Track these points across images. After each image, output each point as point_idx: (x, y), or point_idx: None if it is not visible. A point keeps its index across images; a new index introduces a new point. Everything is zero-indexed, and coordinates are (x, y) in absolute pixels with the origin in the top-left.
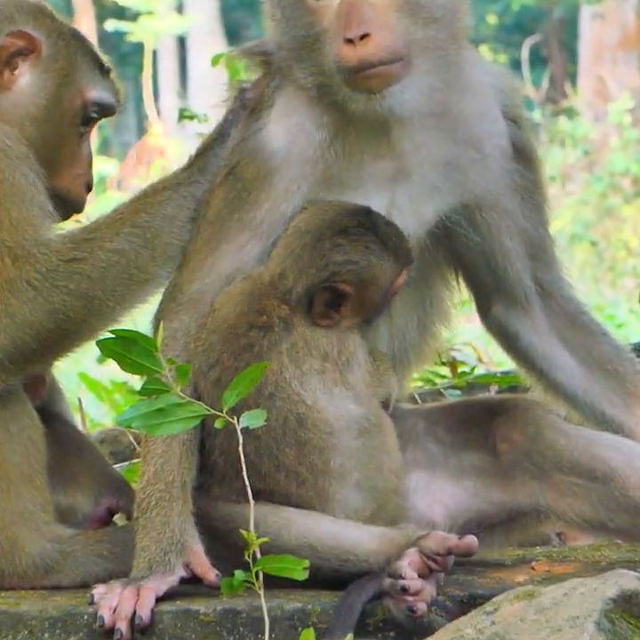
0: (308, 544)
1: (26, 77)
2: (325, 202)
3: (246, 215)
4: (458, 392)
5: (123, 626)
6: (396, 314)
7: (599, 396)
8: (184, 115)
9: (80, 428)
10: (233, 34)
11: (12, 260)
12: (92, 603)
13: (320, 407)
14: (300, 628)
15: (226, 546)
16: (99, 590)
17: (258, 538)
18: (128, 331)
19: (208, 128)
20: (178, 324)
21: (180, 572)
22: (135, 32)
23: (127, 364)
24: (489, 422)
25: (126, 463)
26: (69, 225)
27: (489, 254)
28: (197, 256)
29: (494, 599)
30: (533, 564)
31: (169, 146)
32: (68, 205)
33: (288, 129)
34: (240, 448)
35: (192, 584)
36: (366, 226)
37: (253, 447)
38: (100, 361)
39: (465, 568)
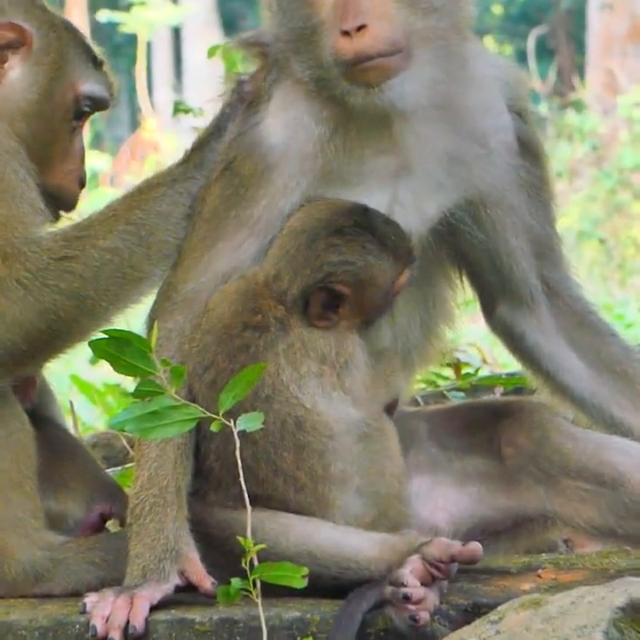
0: (308, 551)
1: (16, 71)
2: (322, 200)
3: (243, 212)
4: (462, 394)
5: (116, 635)
6: (398, 313)
7: (608, 398)
8: (179, 108)
9: (71, 431)
10: (229, 24)
11: (1, 258)
12: (83, 612)
13: (319, 410)
14: (298, 638)
15: (222, 553)
16: (91, 599)
17: (255, 545)
18: (121, 331)
19: (204, 122)
20: (172, 324)
21: (175, 580)
22: (128, 23)
23: (120, 366)
24: (494, 425)
25: (119, 468)
26: (61, 222)
27: (494, 252)
28: (193, 254)
29: (499, 608)
30: (539, 571)
31: (163, 140)
32: (60, 202)
33: (286, 123)
34: (237, 452)
35: (187, 592)
36: (363, 225)
37: (250, 451)
38: (93, 362)
39: (469, 576)
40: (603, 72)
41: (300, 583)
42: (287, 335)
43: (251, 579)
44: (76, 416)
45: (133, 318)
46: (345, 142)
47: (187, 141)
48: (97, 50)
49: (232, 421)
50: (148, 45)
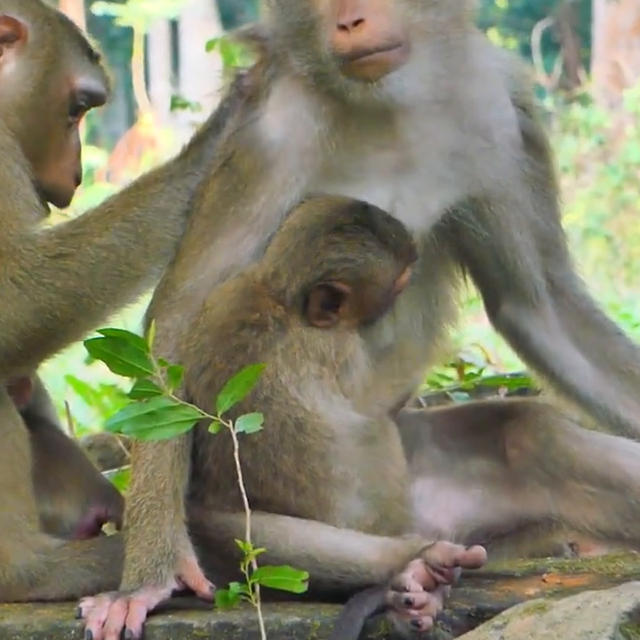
0: (307, 555)
1: (10, 65)
2: (322, 197)
3: (242, 208)
4: (465, 395)
5: None
6: (399, 312)
7: (614, 398)
8: (176, 103)
9: (67, 432)
10: (228, 17)
11: None
12: (79, 616)
13: (319, 413)
14: None
15: (220, 557)
16: (87, 603)
17: (254, 548)
18: (118, 330)
19: (202, 117)
20: (170, 323)
21: (173, 585)
22: (125, 15)
23: (117, 366)
24: (498, 427)
25: (116, 470)
26: (56, 219)
27: (498, 249)
28: (191, 251)
29: (503, 613)
30: (544, 575)
31: (160, 136)
32: (55, 199)
33: (285, 119)
34: (235, 454)
35: (185, 597)
36: (363, 222)
37: (249, 454)
38: (88, 362)
39: (472, 580)
40: (609, 65)
41: (300, 587)
42: (285, 335)
43: (250, 583)
44: (71, 417)
45: (130, 317)
46: (345, 138)
47: (184, 136)
48: (93, 43)
49: (231, 422)
50: (145, 39)
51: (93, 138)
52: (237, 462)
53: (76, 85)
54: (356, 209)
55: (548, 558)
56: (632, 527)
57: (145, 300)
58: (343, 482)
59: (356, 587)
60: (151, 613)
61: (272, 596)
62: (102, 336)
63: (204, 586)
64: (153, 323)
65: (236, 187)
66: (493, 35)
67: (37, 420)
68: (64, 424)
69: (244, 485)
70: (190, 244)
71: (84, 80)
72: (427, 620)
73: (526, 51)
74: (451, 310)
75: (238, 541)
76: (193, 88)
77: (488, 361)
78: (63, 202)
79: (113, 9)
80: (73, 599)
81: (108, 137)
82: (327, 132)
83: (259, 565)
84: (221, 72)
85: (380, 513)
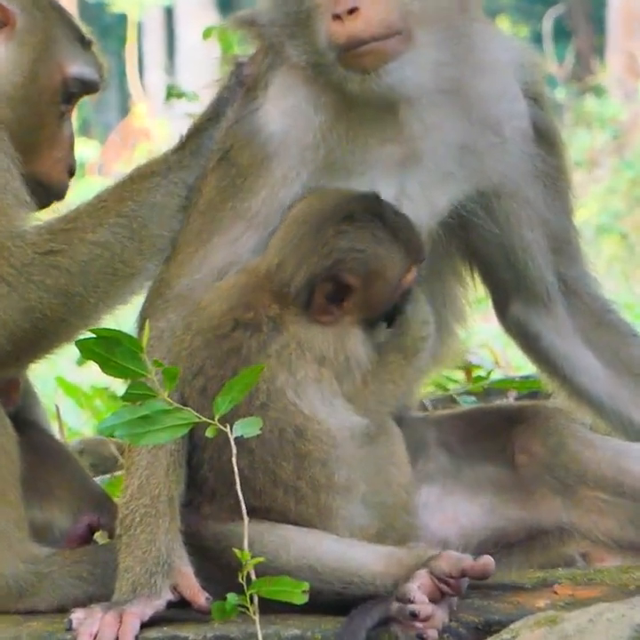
0: (308, 565)
1: None
2: (327, 189)
3: (241, 204)
4: (473, 398)
5: None
6: None
7: (627, 402)
8: (172, 93)
9: (57, 436)
10: (225, 4)
11: None
12: (70, 629)
13: (320, 418)
14: None
15: (217, 567)
16: (77, 615)
17: (253, 558)
18: (110, 330)
19: (199, 107)
20: (165, 324)
21: (167, 596)
22: (118, 2)
23: (109, 367)
24: (507, 432)
25: (108, 476)
26: (47, 214)
27: (508, 247)
28: (187, 249)
29: (512, 626)
30: (555, 587)
31: (155, 127)
32: (48, 192)
33: (285, 110)
34: (233, 459)
35: (180, 608)
36: (374, 213)
37: (247, 461)
38: (80, 363)
39: (480, 591)
40: (624, 54)
41: (301, 599)
42: (280, 335)
43: (248, 594)
44: (61, 421)
45: (123, 317)
46: (347, 130)
47: (180, 128)
48: (85, 30)
49: (228, 427)
50: (139, 26)
51: (85, 129)
52: (235, 468)
53: (68, 73)
54: (367, 198)
55: (560, 569)
56: None
57: (139, 298)
58: (346, 487)
59: (359, 598)
60: (145, 625)
61: (271, 607)
62: (94, 336)
63: (201, 597)
64: (147, 323)
65: (234, 181)
66: (503, 22)
67: (26, 423)
68: (54, 428)
69: (241, 494)
70: (186, 241)
71: (77, 67)
72: (432, 633)
73: (537, 39)
74: (458, 310)
75: (236, 550)
76: (189, 77)
77: (497, 363)
78: (57, 195)
79: None
80: (63, 611)
81: (101, 128)
82: (328, 124)
83: (257, 575)
84: (219, 60)
85: (385, 521)
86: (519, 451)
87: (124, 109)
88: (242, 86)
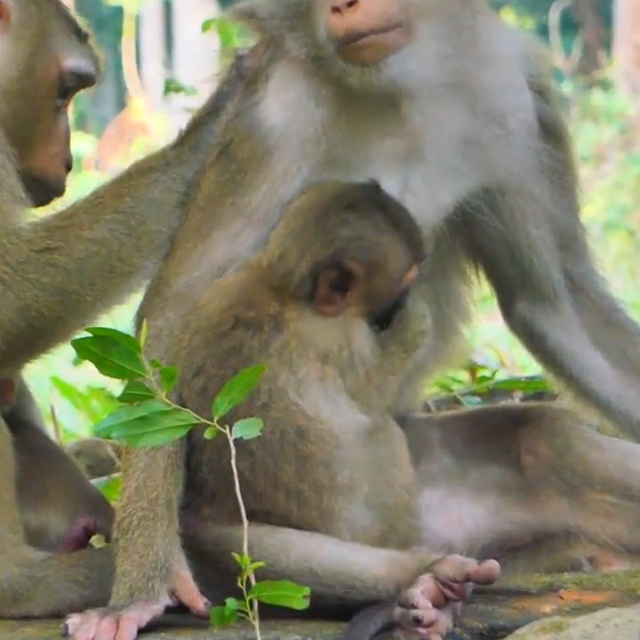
0: (310, 569)
1: None
2: (327, 181)
3: (241, 200)
4: (477, 399)
5: None
6: None
7: (635, 402)
8: (170, 87)
9: (53, 438)
10: None
11: None
12: (65, 634)
13: (323, 418)
14: None
15: (216, 571)
16: (73, 620)
17: (252, 562)
18: (107, 329)
19: (197, 102)
20: (163, 322)
21: (165, 601)
22: None
23: (106, 367)
24: (512, 433)
25: (105, 478)
26: (43, 211)
27: (513, 244)
28: (185, 245)
29: (518, 631)
30: (561, 592)
31: (152, 121)
32: (45, 188)
33: (286, 104)
34: (233, 462)
35: (178, 613)
36: (377, 202)
37: (247, 463)
38: (76, 363)
39: (485, 596)
40: (631, 47)
41: (302, 604)
42: (281, 334)
43: (247, 599)
44: (57, 422)
45: (121, 315)
46: (349, 124)
47: (178, 122)
48: (81, 22)
49: (228, 428)
50: (136, 18)
51: (81, 123)
52: (235, 471)
53: (64, 66)
54: (370, 188)
55: (566, 573)
56: None
57: (137, 296)
58: (349, 488)
59: (362, 603)
60: (142, 631)
61: (271, 612)
62: (91, 335)
63: (199, 602)
64: (145, 321)
65: (234, 176)
66: (508, 14)
67: (21, 423)
68: (50, 429)
69: (241, 497)
70: (185, 238)
71: (73, 60)
72: (436, 639)
73: (543, 31)
74: (463, 309)
75: (235, 554)
76: (188, 71)
77: (502, 363)
78: (54, 190)
79: None
80: (59, 616)
81: (97, 122)
82: (330, 118)
83: (257, 580)
84: (219, 53)
85: (387, 523)
86: (525, 452)
87: (121, 103)
88: (242, 80)
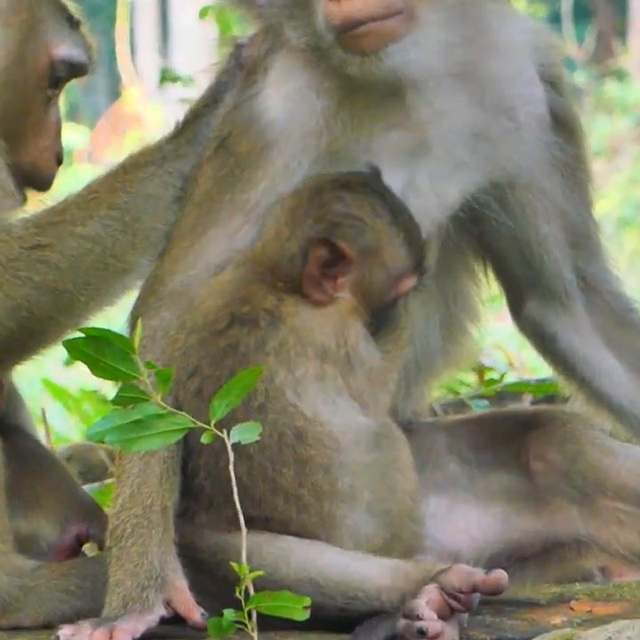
0: (310, 578)
1: None
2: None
3: (239, 196)
4: (485, 402)
5: None
6: (414, 312)
7: None
8: (166, 76)
9: (44, 442)
10: None
11: None
12: None
13: (322, 419)
14: None
15: (214, 580)
16: (65, 631)
17: (251, 571)
18: (100, 329)
19: (194, 92)
20: (158, 322)
21: (160, 611)
22: None
23: (99, 369)
24: (521, 438)
25: (97, 484)
26: (32, 206)
27: (523, 241)
28: (181, 243)
29: None
30: (572, 603)
31: (147, 112)
32: (35, 181)
33: (286, 95)
34: (231, 467)
35: (174, 624)
36: (375, 188)
37: (245, 468)
38: (68, 364)
39: (492, 608)
40: None
41: (302, 615)
42: (278, 330)
43: (246, 609)
44: (48, 425)
45: (114, 315)
46: (351, 116)
47: (174, 114)
48: (73, 8)
49: (225, 432)
50: (131, 5)
51: (73, 114)
52: (233, 476)
53: (55, 55)
54: (368, 174)
55: (577, 584)
56: None
57: (132, 295)
58: (350, 495)
59: (364, 614)
60: None
61: (270, 624)
62: (83, 335)
63: (195, 612)
64: (139, 321)
65: (232, 171)
66: (519, 2)
67: (11, 428)
68: (40, 433)
69: (239, 502)
70: (181, 235)
71: (65, 49)
72: None
73: (556, 19)
74: (470, 309)
75: (233, 564)
76: (184, 60)
77: (511, 365)
78: (44, 184)
79: None
80: (50, 627)
81: (89, 113)
82: (332, 109)
83: (256, 590)
84: (217, 42)
85: (391, 531)
86: (534, 458)
87: (115, 93)
88: (241, 69)
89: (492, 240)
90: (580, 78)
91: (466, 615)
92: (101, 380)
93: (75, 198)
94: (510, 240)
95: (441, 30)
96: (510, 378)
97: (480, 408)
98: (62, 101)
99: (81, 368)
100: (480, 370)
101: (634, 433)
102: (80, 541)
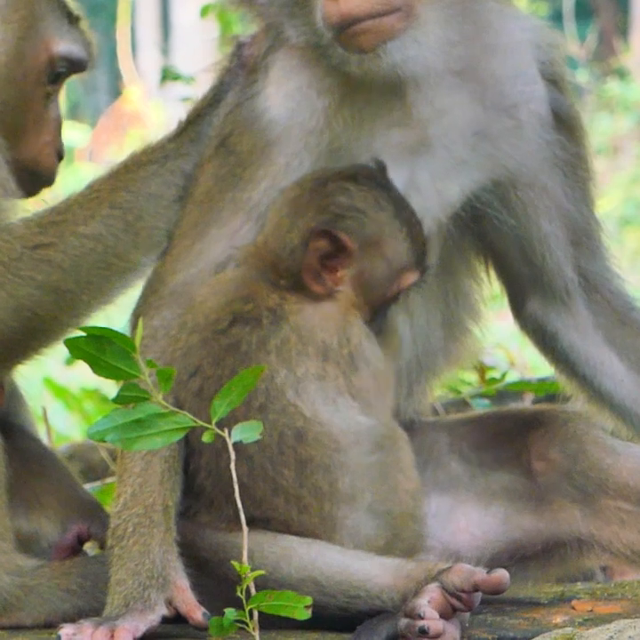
0: (311, 578)
1: None
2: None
3: (240, 195)
4: (487, 402)
5: None
6: (415, 311)
7: None
8: (168, 75)
9: (45, 441)
10: None
11: None
12: None
13: (322, 419)
14: None
15: (215, 580)
16: (66, 631)
17: (252, 570)
18: (102, 328)
19: (195, 91)
20: (159, 322)
21: (162, 610)
22: None
23: (100, 368)
24: (523, 437)
25: (99, 483)
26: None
27: (524, 240)
28: (183, 242)
29: None
30: (574, 602)
31: (148, 111)
32: (36, 178)
33: (287, 94)
34: (232, 466)
35: (175, 624)
36: (380, 181)
37: (246, 468)
38: (69, 363)
39: (494, 607)
40: None
41: (303, 614)
42: (280, 329)
43: (247, 609)
44: (49, 424)
45: (116, 314)
46: (353, 115)
47: (175, 112)
48: (73, 5)
49: (226, 431)
50: (132, 2)
51: (74, 112)
52: (234, 476)
53: (54, 51)
54: (373, 167)
55: (578, 583)
56: None
57: (133, 294)
58: (351, 496)
59: (366, 613)
60: None
61: (272, 623)
62: (85, 334)
63: (197, 612)
64: (140, 321)
65: (233, 170)
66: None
67: (12, 427)
68: (41, 432)
69: (241, 502)
70: (182, 235)
71: (64, 45)
72: None
73: (557, 18)
74: (472, 308)
75: (235, 563)
76: (185, 58)
77: (512, 364)
78: (46, 180)
79: None
80: (51, 626)
81: (90, 111)
82: (333, 108)
83: (257, 589)
84: (218, 40)
85: (392, 531)
86: (536, 457)
87: (116, 92)
88: (243, 68)
89: (494, 238)
90: (581, 77)
91: (467, 614)
92: (102, 379)
93: (77, 197)
94: (511, 239)
95: (440, 28)
96: (511, 377)
97: (481, 407)
98: (63, 100)
99: (82, 367)
100: (481, 369)
101: (635, 432)
102: (81, 540)
